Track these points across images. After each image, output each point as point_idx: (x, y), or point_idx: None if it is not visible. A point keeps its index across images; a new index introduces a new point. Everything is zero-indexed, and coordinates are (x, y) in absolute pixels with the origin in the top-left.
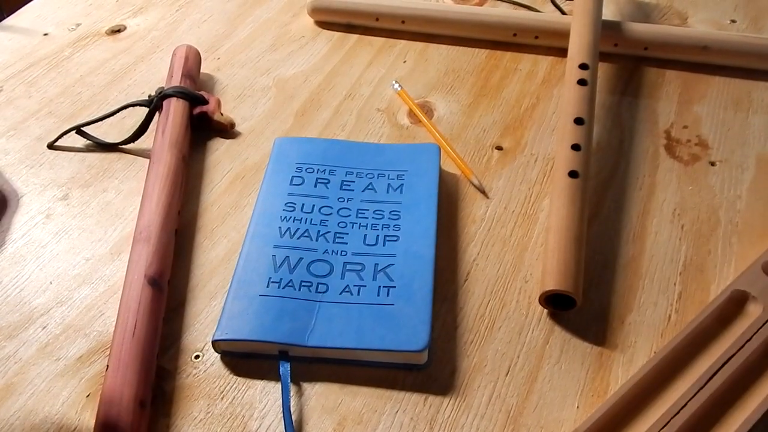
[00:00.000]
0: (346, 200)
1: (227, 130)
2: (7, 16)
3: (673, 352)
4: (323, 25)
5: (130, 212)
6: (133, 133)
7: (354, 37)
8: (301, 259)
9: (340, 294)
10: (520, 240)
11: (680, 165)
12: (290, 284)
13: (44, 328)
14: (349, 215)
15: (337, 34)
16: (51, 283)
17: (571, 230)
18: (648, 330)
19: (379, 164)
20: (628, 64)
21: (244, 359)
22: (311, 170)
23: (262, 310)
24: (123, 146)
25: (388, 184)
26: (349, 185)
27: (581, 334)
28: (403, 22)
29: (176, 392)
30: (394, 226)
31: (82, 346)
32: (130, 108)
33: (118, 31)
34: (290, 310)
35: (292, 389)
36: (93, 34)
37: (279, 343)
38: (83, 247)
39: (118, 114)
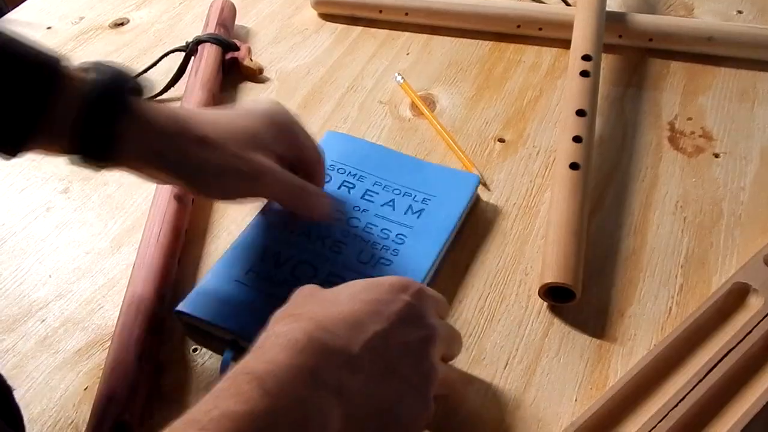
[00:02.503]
0: (361, 210)
1: (256, 75)
2: (11, 9)
3: (673, 344)
4: (326, 17)
5: (131, 205)
6: (171, 79)
7: (357, 29)
8: (291, 257)
9: None
10: (521, 233)
11: (683, 157)
12: (267, 278)
13: (43, 321)
14: (357, 227)
15: (340, 27)
16: (50, 276)
17: (572, 222)
18: (648, 323)
19: (411, 182)
20: (633, 55)
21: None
22: (342, 171)
23: (230, 295)
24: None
25: (410, 205)
26: (372, 197)
27: (581, 326)
28: (406, 14)
29: (174, 385)
30: (393, 250)
31: (80, 339)
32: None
33: (122, 24)
34: (256, 303)
35: None
36: (96, 27)
37: (230, 330)
38: (83, 240)
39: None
